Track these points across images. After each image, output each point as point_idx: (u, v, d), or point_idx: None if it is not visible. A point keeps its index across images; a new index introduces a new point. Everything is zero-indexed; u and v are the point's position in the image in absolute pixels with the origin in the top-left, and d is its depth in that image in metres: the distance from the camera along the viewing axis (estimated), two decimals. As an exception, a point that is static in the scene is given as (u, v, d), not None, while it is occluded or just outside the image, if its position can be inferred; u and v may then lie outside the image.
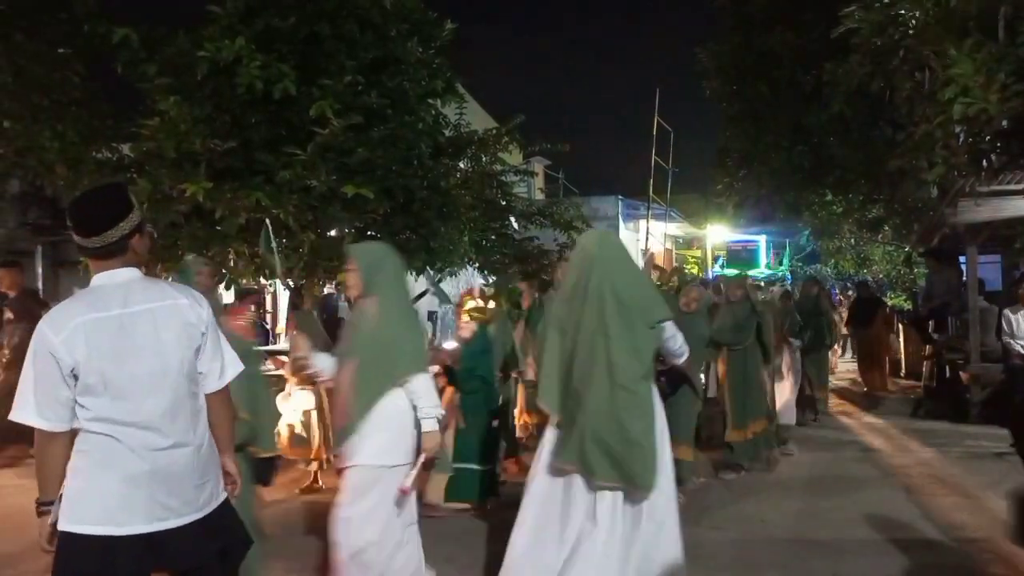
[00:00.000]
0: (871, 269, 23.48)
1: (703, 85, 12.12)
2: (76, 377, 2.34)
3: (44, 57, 8.02)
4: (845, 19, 6.74)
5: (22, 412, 2.38)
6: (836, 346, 15.00)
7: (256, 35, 6.46)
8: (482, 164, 8.54)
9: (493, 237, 8.33)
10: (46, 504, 2.41)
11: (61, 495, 2.41)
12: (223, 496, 2.62)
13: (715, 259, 23.70)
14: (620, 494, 3.51)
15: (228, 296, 11.44)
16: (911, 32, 6.17)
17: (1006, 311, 8.72)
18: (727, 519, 5.55)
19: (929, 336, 11.21)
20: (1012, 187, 8.33)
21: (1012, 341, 8.61)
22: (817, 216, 16.19)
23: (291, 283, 7.33)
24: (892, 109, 8.88)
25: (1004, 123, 5.64)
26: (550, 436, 3.70)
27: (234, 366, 2.66)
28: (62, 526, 2.35)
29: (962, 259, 11.00)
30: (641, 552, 3.51)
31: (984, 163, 6.24)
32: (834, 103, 8.63)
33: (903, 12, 6.00)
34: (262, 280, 7.10)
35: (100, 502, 2.34)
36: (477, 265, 8.44)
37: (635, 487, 3.47)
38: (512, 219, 8.98)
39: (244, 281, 7.38)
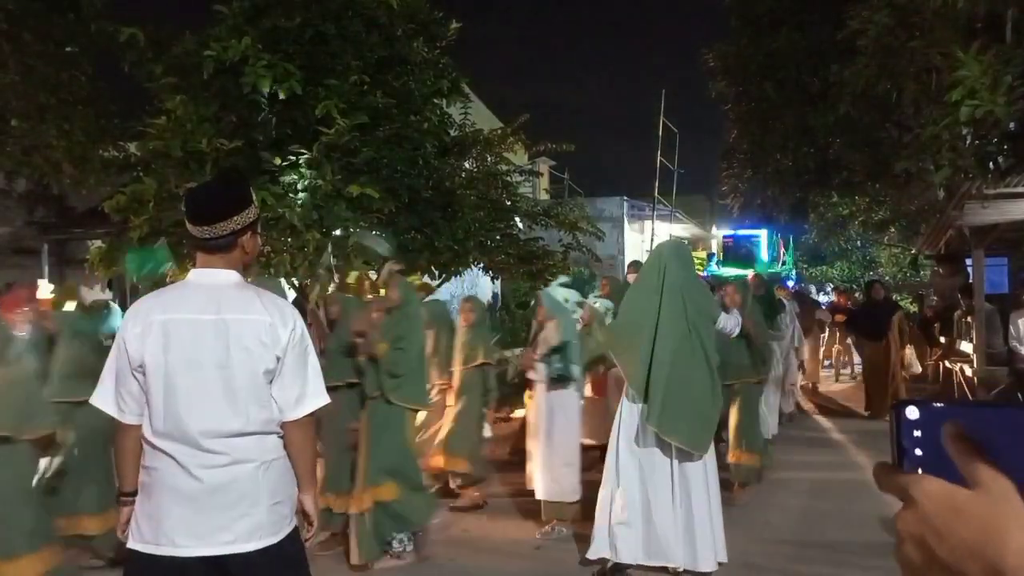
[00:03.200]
0: (876, 271, 23.41)
1: (709, 86, 12.10)
2: (144, 374, 2.26)
3: (51, 56, 8.06)
4: (852, 20, 6.74)
5: (101, 399, 2.34)
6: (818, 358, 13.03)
7: (262, 35, 6.48)
8: (487, 164, 8.54)
9: (498, 237, 8.32)
10: (124, 495, 2.35)
11: (126, 495, 2.36)
12: (295, 523, 2.41)
13: (709, 256, 21.95)
14: (680, 460, 4.24)
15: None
16: (918, 34, 6.17)
17: (1013, 315, 8.71)
18: (730, 521, 5.53)
19: (935, 338, 11.18)
20: (1019, 189, 8.28)
21: (1019, 345, 8.59)
22: (823, 217, 16.15)
23: (295, 282, 7.34)
24: (899, 111, 8.86)
25: (1011, 125, 5.62)
26: (628, 421, 4.29)
27: (316, 398, 2.41)
28: (129, 543, 2.29)
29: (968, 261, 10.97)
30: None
31: (991, 165, 6.22)
32: (841, 104, 8.61)
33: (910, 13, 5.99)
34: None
35: (159, 522, 2.23)
36: (482, 265, 8.43)
37: (703, 451, 4.26)
38: (517, 219, 8.96)
39: (249, 280, 7.39)
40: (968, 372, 9.56)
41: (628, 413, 4.31)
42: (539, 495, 5.33)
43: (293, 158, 6.36)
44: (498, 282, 13.98)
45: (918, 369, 11.14)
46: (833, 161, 11.23)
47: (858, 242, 22.37)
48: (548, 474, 5.26)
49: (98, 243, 7.64)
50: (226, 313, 2.28)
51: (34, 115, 7.90)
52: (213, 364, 2.26)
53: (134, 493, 2.32)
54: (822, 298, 23.47)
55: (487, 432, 5.79)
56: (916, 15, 6.25)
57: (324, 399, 2.46)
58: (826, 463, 7.41)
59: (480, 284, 14.62)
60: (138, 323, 2.28)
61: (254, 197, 2.46)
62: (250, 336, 2.29)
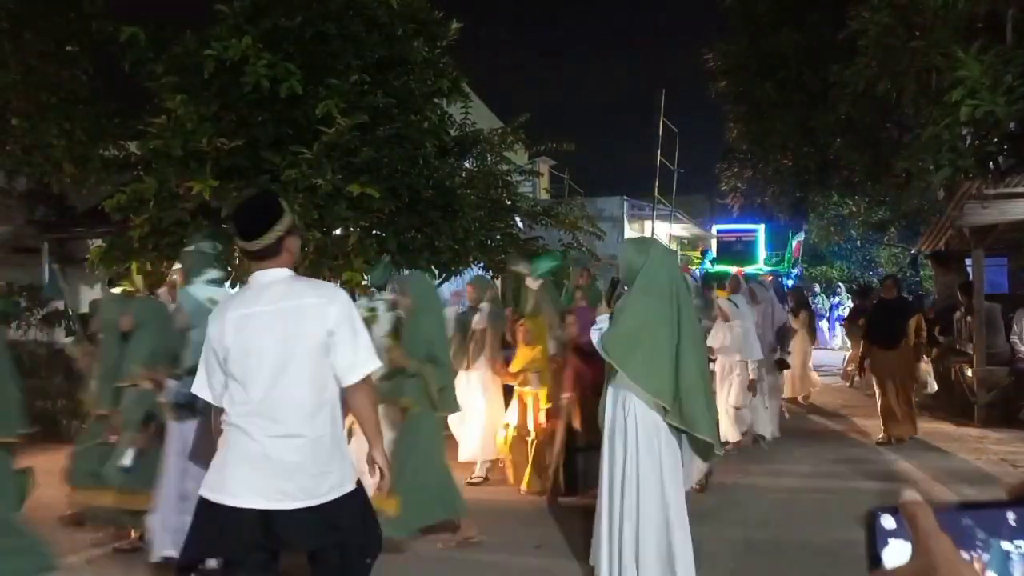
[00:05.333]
0: (876, 271, 23.34)
1: (710, 86, 12.12)
2: (225, 362, 2.70)
3: (52, 56, 8.07)
4: (852, 20, 6.74)
5: (199, 388, 2.81)
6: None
7: (263, 34, 6.49)
8: (487, 164, 8.55)
9: (498, 237, 8.33)
10: None
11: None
12: (349, 489, 2.77)
13: (703, 252, 20.56)
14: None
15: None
16: (918, 34, 6.17)
17: (1018, 313, 8.75)
18: (731, 521, 5.54)
19: (935, 339, 11.17)
20: (1019, 189, 8.29)
21: (1020, 343, 8.61)
22: (823, 217, 16.12)
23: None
24: (899, 111, 8.87)
25: (1011, 125, 5.63)
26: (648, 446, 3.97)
27: (369, 363, 2.82)
28: (200, 491, 2.74)
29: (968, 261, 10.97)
30: None
31: (991, 165, 6.23)
32: (841, 104, 8.62)
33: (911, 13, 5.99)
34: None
35: (223, 477, 2.68)
36: (482, 265, 8.43)
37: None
38: (517, 219, 8.97)
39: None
40: (968, 372, 9.56)
41: (647, 438, 3.95)
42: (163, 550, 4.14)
43: (293, 157, 6.36)
44: (498, 282, 13.98)
45: (933, 387, 9.73)
46: (833, 161, 11.23)
47: (858, 242, 22.31)
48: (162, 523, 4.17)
49: (98, 242, 7.65)
50: (282, 302, 2.72)
51: (35, 114, 7.91)
52: (277, 347, 2.68)
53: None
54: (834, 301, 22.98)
55: (127, 461, 4.40)
56: (916, 15, 6.25)
57: (376, 363, 2.87)
58: (828, 462, 7.41)
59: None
60: (216, 322, 2.74)
61: (285, 205, 2.84)
62: (303, 318, 2.72)
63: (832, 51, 8.71)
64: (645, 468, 3.94)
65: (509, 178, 8.73)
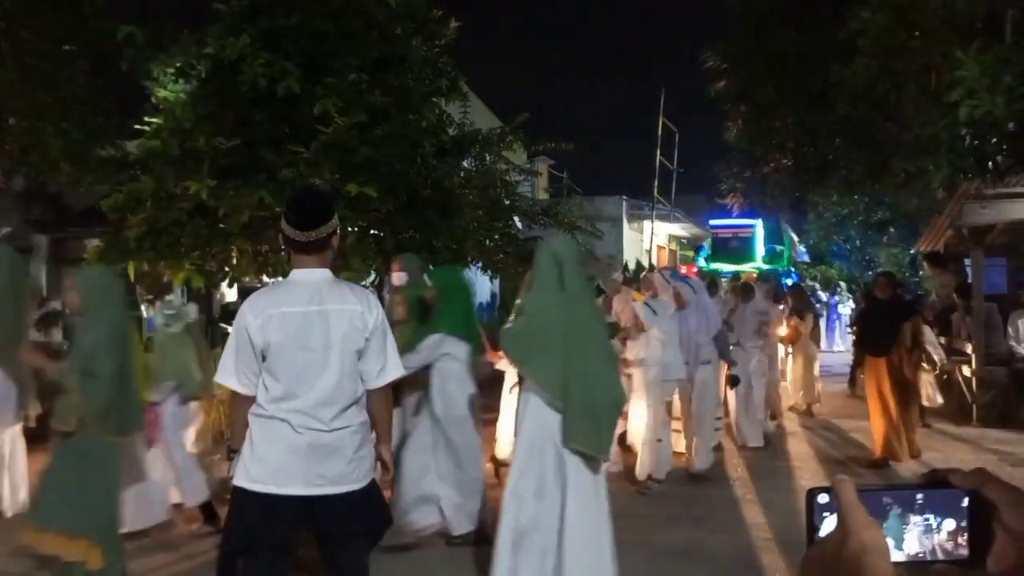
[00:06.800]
0: (876, 272, 23.21)
1: (709, 86, 12.10)
2: (264, 357, 2.82)
3: (49, 54, 8.04)
4: (852, 20, 6.73)
5: (224, 376, 2.90)
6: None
7: (261, 33, 6.47)
8: (486, 163, 8.52)
9: (496, 236, 8.31)
10: (235, 452, 2.97)
11: (236, 451, 2.93)
12: (373, 475, 2.98)
13: (697, 249, 20.03)
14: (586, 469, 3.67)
15: (231, 294, 11.47)
16: (918, 34, 6.16)
17: (1012, 315, 8.73)
18: (729, 522, 5.53)
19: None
20: (1018, 189, 8.30)
21: (1018, 345, 8.60)
22: (822, 217, 16.14)
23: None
24: (898, 110, 8.86)
25: (1010, 125, 5.61)
26: (535, 421, 3.68)
27: (395, 370, 3.03)
28: (236, 481, 2.85)
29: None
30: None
31: (990, 165, 6.21)
32: (841, 104, 8.61)
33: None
34: (265, 278, 7.10)
35: (267, 467, 2.80)
36: (480, 265, 8.42)
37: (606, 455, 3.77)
38: (515, 219, 8.95)
39: (247, 279, 7.39)
40: (967, 372, 9.56)
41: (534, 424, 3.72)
42: None
43: (291, 156, 6.34)
44: (496, 281, 13.97)
45: (939, 401, 9.05)
46: (833, 161, 11.22)
47: (858, 242, 22.27)
48: None
49: (95, 242, 7.62)
50: (327, 304, 2.85)
51: (32, 114, 7.89)
52: (320, 346, 2.81)
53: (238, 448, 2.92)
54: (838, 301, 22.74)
55: None
56: (916, 15, 6.24)
57: (401, 371, 3.07)
58: (827, 462, 7.40)
59: (479, 283, 14.63)
60: (258, 316, 2.82)
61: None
62: (346, 322, 2.85)
63: (832, 51, 8.69)
64: (574, 481, 3.61)
65: (508, 178, 8.71)
